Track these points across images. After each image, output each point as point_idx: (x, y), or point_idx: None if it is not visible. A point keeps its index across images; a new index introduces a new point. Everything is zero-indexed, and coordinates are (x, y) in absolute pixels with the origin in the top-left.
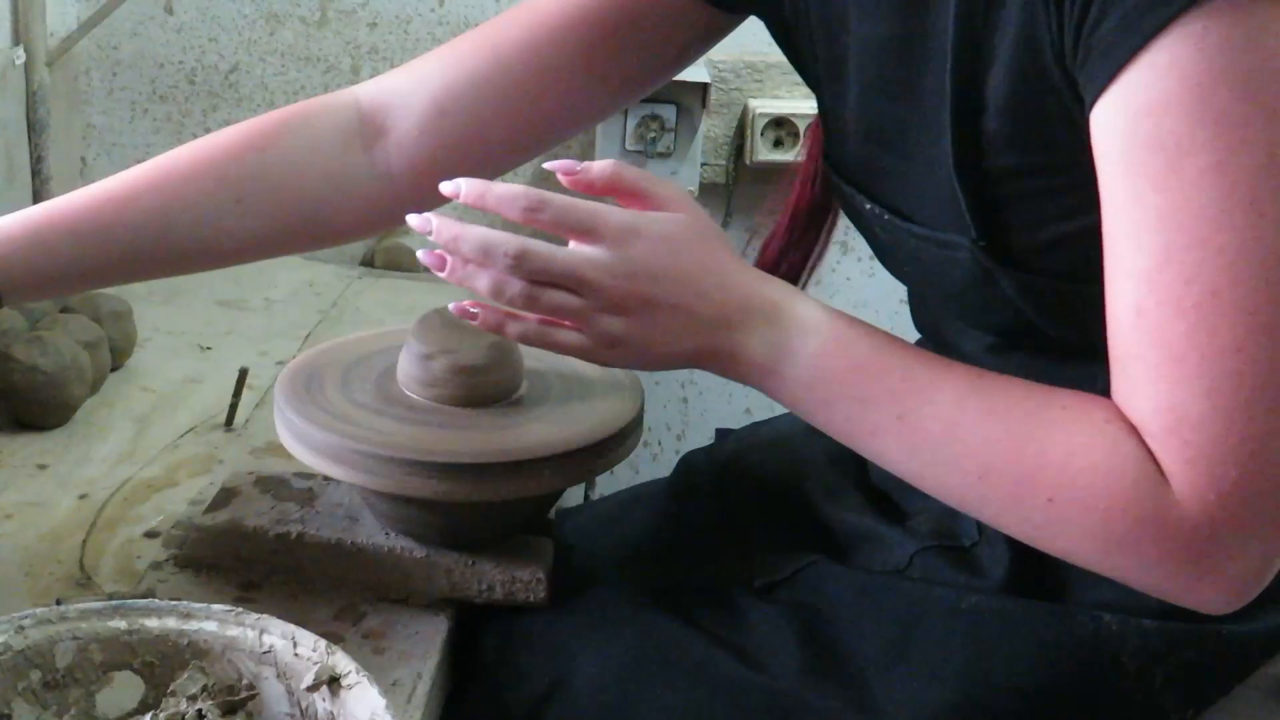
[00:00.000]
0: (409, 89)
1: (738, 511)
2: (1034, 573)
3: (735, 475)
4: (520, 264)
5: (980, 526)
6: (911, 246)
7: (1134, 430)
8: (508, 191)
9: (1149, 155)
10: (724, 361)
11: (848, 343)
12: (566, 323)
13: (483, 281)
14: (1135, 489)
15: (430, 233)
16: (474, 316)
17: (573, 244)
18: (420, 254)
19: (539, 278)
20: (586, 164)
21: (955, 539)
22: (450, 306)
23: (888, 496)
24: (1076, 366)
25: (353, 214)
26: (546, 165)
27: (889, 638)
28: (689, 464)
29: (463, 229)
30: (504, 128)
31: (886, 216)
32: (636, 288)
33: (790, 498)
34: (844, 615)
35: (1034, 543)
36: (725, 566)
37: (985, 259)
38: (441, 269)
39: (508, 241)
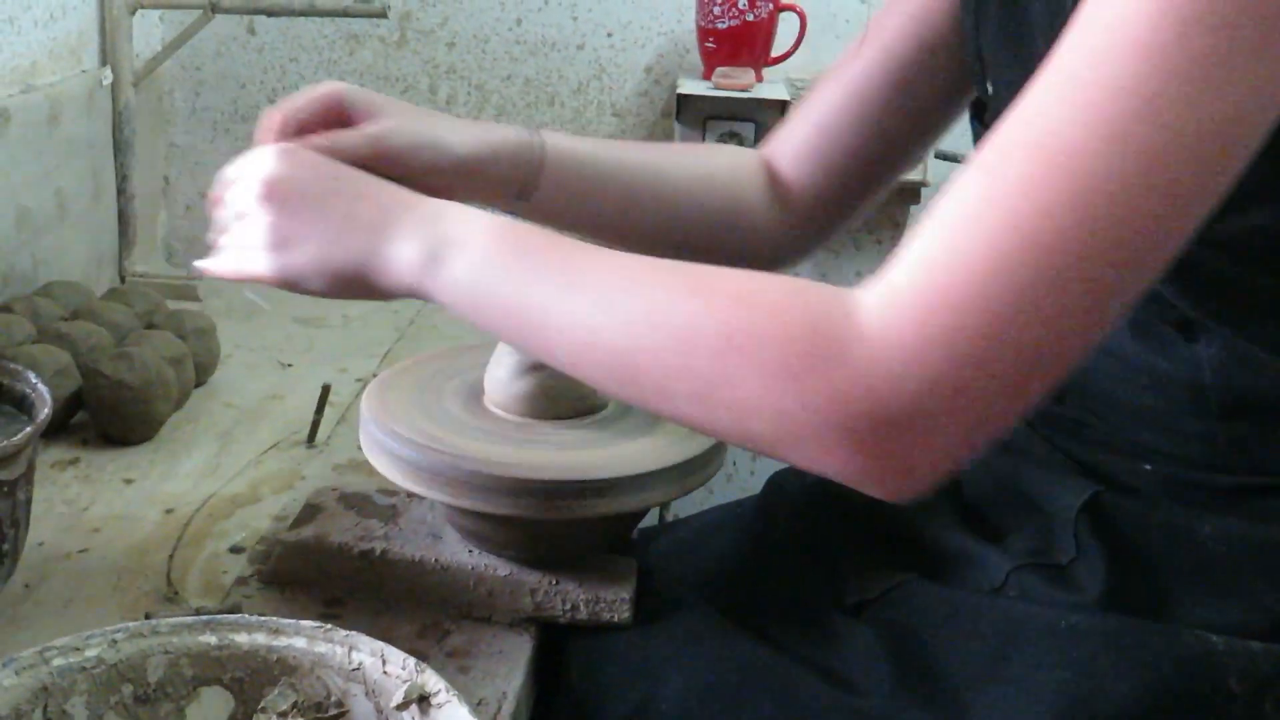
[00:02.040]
0: (788, 128)
1: (827, 531)
2: (1133, 589)
3: (824, 495)
4: (222, 201)
5: (1078, 543)
6: None
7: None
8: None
9: (1092, 18)
10: (388, 262)
11: (507, 233)
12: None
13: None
14: (817, 320)
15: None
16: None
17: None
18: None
19: (229, 209)
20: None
21: (1052, 556)
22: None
23: (982, 515)
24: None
25: (756, 237)
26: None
27: (985, 657)
28: (777, 484)
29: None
30: (874, 144)
31: None
32: (282, 181)
33: (881, 517)
34: (938, 634)
35: (708, 404)
36: (813, 585)
37: None
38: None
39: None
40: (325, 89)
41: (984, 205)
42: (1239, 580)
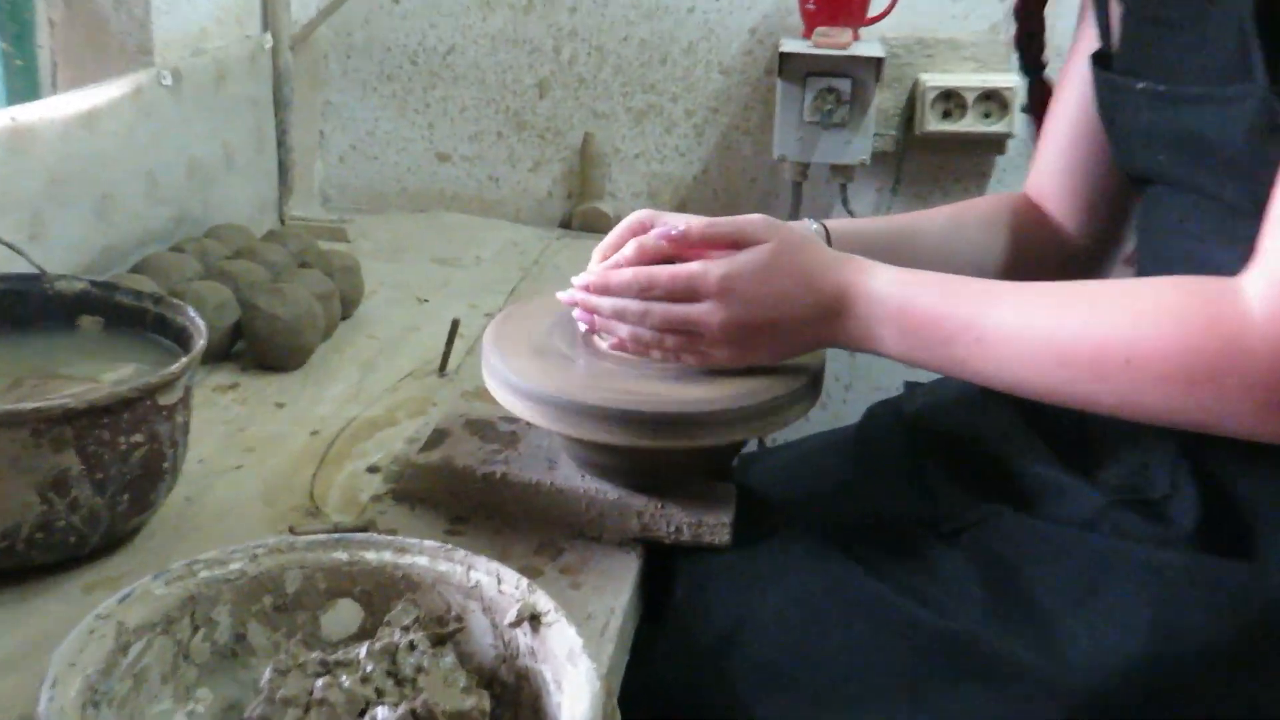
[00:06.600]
0: (1039, 163)
1: (923, 460)
2: (1225, 527)
3: (922, 427)
4: (645, 319)
5: (1173, 479)
6: (1183, 119)
7: (1218, 279)
8: (624, 279)
9: None
10: (833, 345)
11: (914, 299)
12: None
13: (622, 331)
14: (1212, 324)
15: (578, 303)
16: (622, 347)
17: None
18: (576, 314)
19: (662, 328)
20: (683, 229)
21: (1145, 492)
22: (605, 345)
23: (1077, 448)
24: None
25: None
26: (652, 235)
27: (1076, 589)
28: (875, 414)
29: (599, 301)
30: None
31: (1160, 89)
32: (742, 320)
33: (977, 449)
34: (1030, 563)
35: (1128, 412)
36: (909, 512)
37: (1276, 104)
38: (592, 327)
39: (633, 305)
40: (634, 217)
41: None
42: None
